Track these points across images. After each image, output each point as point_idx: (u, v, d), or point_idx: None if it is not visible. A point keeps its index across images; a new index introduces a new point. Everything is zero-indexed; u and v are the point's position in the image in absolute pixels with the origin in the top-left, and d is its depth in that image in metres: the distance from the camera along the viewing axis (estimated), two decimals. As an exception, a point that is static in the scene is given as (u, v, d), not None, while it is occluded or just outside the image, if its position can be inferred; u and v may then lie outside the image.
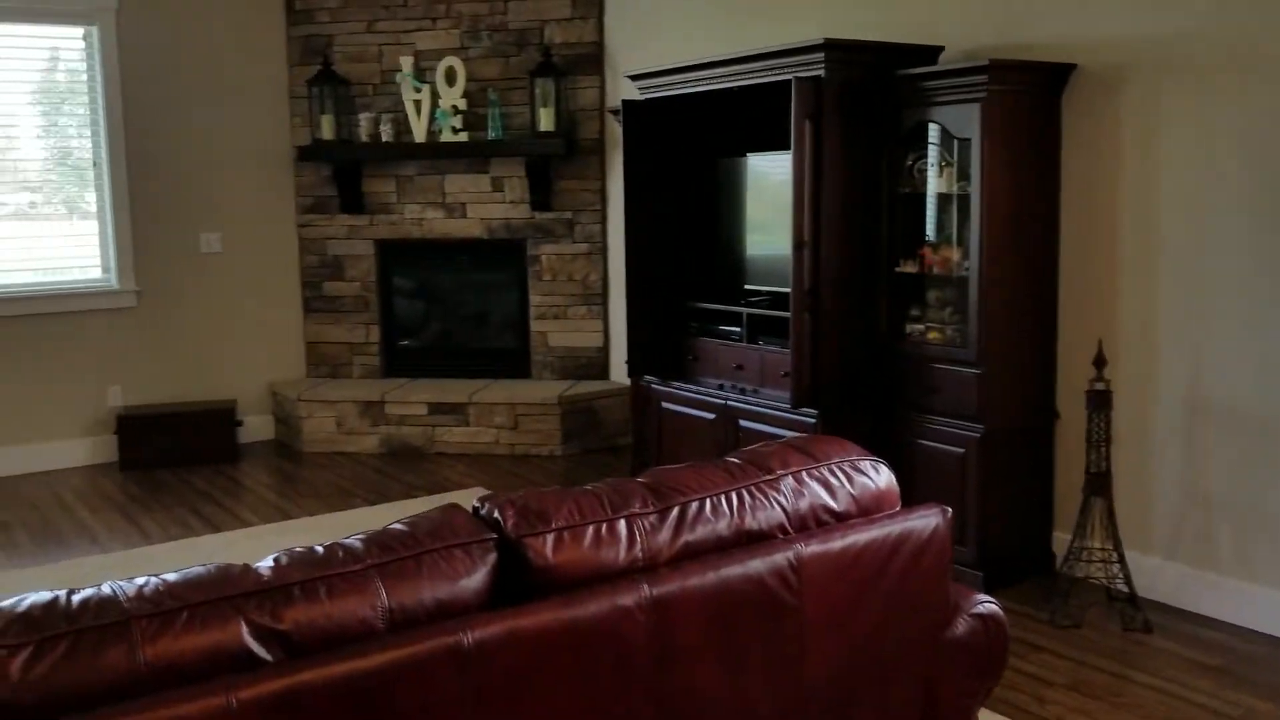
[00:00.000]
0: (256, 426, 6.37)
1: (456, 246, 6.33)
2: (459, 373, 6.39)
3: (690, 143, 4.87)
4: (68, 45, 5.82)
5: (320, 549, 1.67)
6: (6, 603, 1.45)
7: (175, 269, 6.11)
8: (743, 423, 4.41)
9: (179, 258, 6.12)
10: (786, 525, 1.95)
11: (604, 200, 6.15)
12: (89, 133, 5.87)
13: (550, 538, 1.74)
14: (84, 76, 5.84)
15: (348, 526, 4.66)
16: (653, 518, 1.83)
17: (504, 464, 5.77)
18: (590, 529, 1.77)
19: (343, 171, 6.24)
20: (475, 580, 1.68)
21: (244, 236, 6.30)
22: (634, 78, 4.84)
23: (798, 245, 3.96)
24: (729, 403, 4.49)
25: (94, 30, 5.78)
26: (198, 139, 6.11)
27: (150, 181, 5.99)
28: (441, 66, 6.01)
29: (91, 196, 5.93)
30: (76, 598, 1.48)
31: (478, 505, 1.83)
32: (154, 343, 6.07)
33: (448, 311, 6.56)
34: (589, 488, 1.89)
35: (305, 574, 1.60)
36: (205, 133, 6.12)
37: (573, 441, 5.94)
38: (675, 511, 1.85)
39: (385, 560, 1.65)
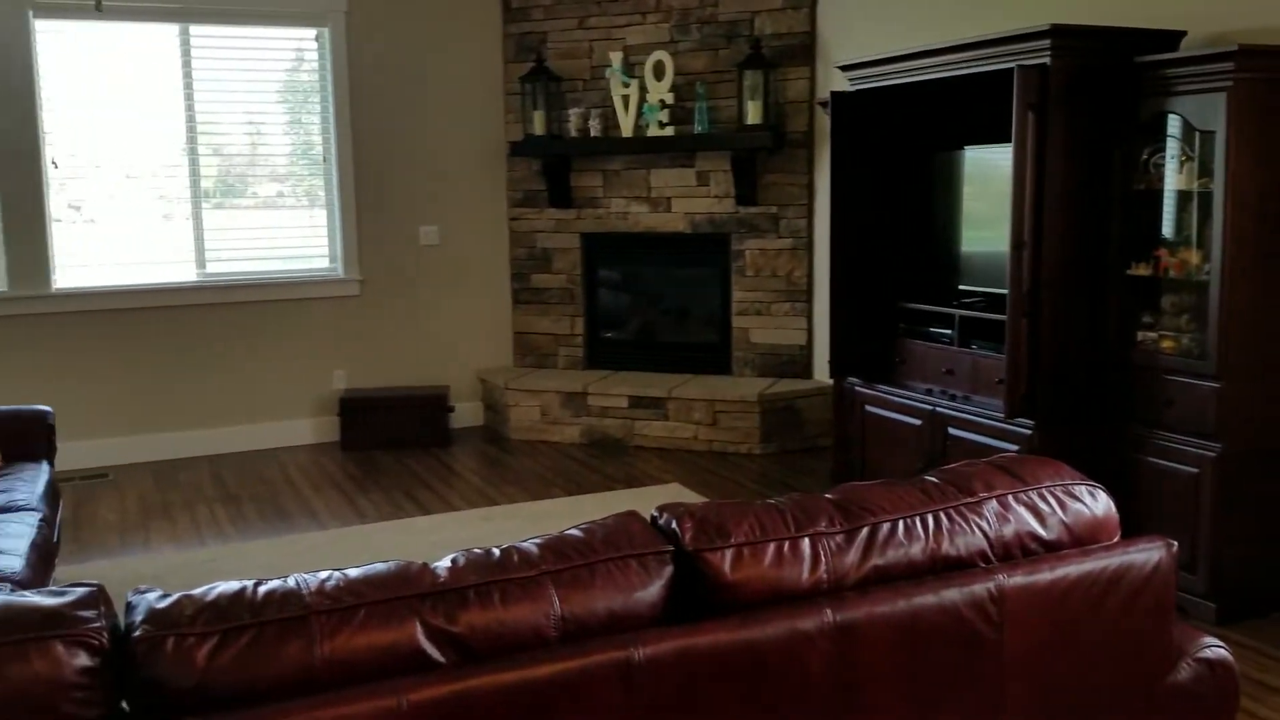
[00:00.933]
0: (467, 413, 6.58)
1: (660, 240, 6.33)
2: (660, 367, 6.39)
3: (903, 135, 4.67)
4: (308, 46, 6.16)
5: (497, 552, 1.66)
6: (197, 591, 1.50)
7: (396, 260, 6.38)
8: (952, 430, 4.20)
9: (399, 249, 6.38)
10: (989, 553, 1.80)
11: (811, 195, 6.00)
12: (322, 129, 6.19)
13: (729, 553, 1.66)
14: (318, 76, 6.16)
15: (546, 516, 4.73)
16: (840, 538, 1.72)
17: (702, 460, 5.73)
18: (772, 546, 1.68)
19: (552, 166, 6.34)
20: (649, 593, 1.63)
21: (459, 229, 6.51)
22: (845, 68, 4.69)
23: (1016, 244, 3.73)
24: (937, 409, 4.29)
25: (325, 32, 6.10)
26: (418, 135, 6.35)
27: (375, 176, 6.27)
28: (650, 61, 6.01)
29: (324, 190, 6.27)
30: (262, 589, 1.51)
31: (655, 515, 1.78)
32: (375, 330, 6.36)
33: (650, 305, 6.58)
34: (773, 501, 1.81)
35: (480, 577, 1.59)
36: (425, 129, 6.36)
37: (772, 441, 5.84)
38: (865, 532, 1.74)
39: (560, 568, 1.62)
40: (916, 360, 4.46)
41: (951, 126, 4.55)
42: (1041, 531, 1.85)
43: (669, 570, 1.66)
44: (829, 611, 1.62)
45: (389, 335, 6.41)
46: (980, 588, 1.72)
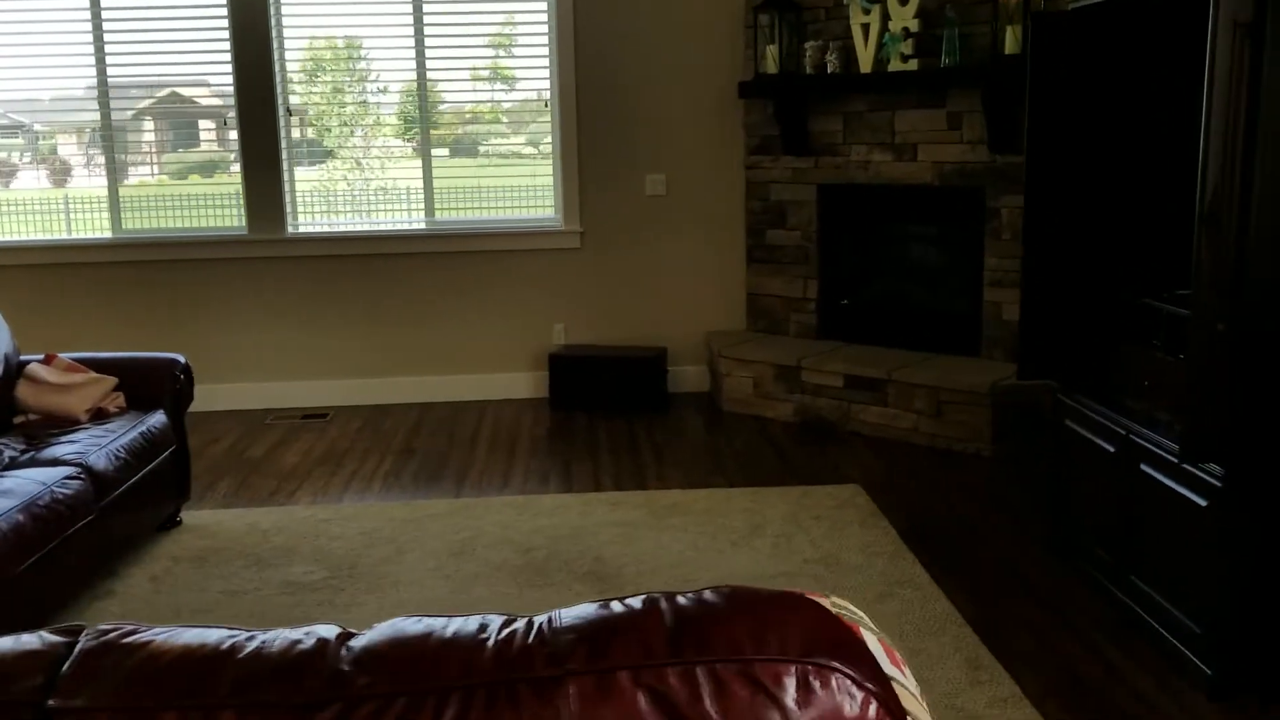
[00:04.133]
0: (689, 377, 6.11)
1: (904, 194, 5.41)
2: (899, 341, 5.51)
3: (1150, 76, 3.50)
4: (536, -14, 5.89)
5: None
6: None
7: (619, 211, 6.00)
8: (1144, 468, 3.12)
9: (623, 199, 5.99)
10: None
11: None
12: (550, 73, 5.91)
13: None
14: (546, 17, 5.86)
15: (672, 512, 4.20)
16: None
17: (919, 458, 4.86)
18: None
19: (785, 108, 5.61)
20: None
21: (689, 179, 5.99)
22: (1071, -21, 3.59)
23: (1210, 216, 2.61)
24: (1131, 435, 3.20)
25: (552, -31, 5.78)
26: (647, 77, 5.88)
27: (599, 121, 5.90)
28: (892, -19, 5.09)
29: (551, 138, 6.01)
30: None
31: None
32: (593, 284, 6.05)
33: (892, 269, 5.69)
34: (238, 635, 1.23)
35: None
36: (655, 71, 5.87)
37: (1007, 442, 4.82)
38: None
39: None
40: (1134, 370, 3.36)
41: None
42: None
43: None
44: None
45: (609, 290, 6.07)
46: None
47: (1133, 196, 3.48)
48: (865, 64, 5.26)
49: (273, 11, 5.70)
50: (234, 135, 5.80)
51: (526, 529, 4.07)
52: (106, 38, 5.69)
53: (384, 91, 5.98)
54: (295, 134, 5.94)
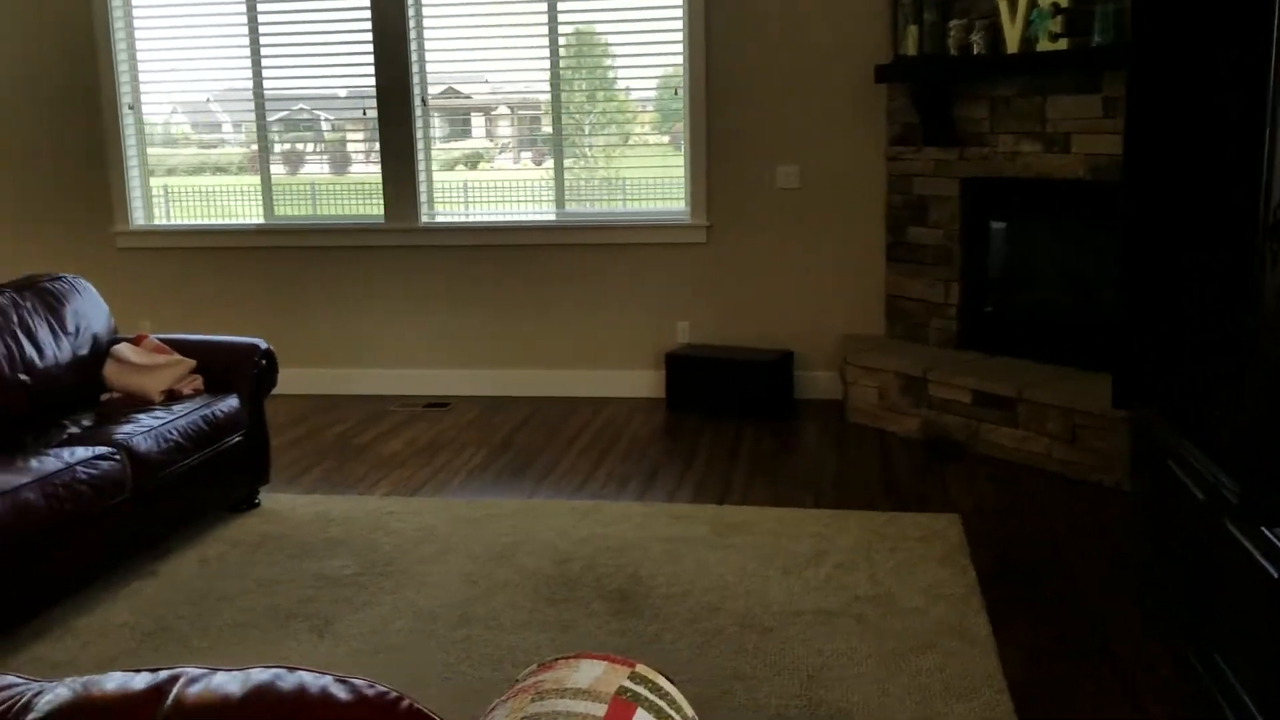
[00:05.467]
0: (821, 383, 5.73)
1: (1054, 189, 4.81)
2: (1045, 354, 4.93)
3: None
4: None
5: None
6: None
7: (748, 204, 5.68)
8: (1228, 523, 2.56)
9: (753, 192, 5.67)
10: None
11: (1261, 129, 4.09)
12: (684, 58, 5.66)
13: None
14: (679, 1, 5.62)
15: (742, 530, 3.89)
16: None
17: (1045, 487, 4.32)
18: None
19: (925, 93, 5.13)
20: None
21: (824, 170, 5.59)
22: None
23: (1275, 228, 2.08)
24: (1219, 483, 2.64)
25: (684, -49, 5.52)
26: (781, 61, 5.53)
27: (730, 109, 5.60)
28: (1039, -50, 4.52)
29: (682, 128, 5.77)
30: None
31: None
32: (720, 280, 5.76)
33: (1040, 274, 5.09)
34: None
35: None
36: (789, 54, 5.51)
37: (1147, 474, 4.19)
38: None
39: None
40: (1228, 399, 2.79)
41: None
42: None
43: None
44: None
45: (737, 287, 5.76)
46: None
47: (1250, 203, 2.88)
48: (1012, 44, 4.71)
49: (411, 11, 5.75)
50: (505, 128, 5.87)
51: (577, 537, 3.87)
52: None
53: (517, 83, 5.93)
54: (429, 124, 5.98)
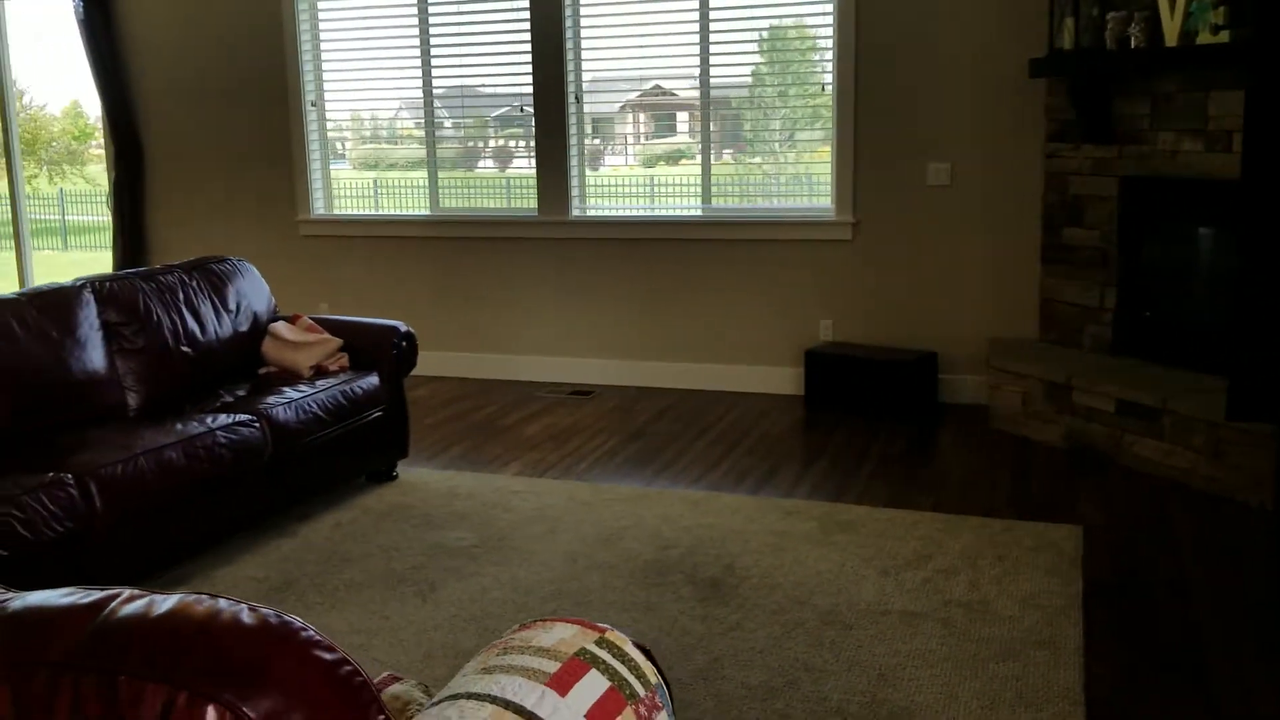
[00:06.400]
0: (967, 387, 5.59)
1: (1216, 190, 4.54)
2: (1204, 363, 4.66)
3: None
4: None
5: None
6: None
7: (896, 201, 5.60)
8: (1333, 545, 2.40)
9: (902, 189, 5.58)
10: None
11: None
12: (830, 54, 5.63)
13: None
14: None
15: (847, 529, 3.87)
16: None
17: (1185, 504, 4.09)
18: None
19: (1082, 88, 4.92)
20: None
21: (977, 168, 5.45)
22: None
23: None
24: (1326, 503, 2.47)
25: (836, -54, 5.49)
26: (934, 54, 5.42)
27: (881, 104, 5.53)
28: (1203, -64, 4.27)
29: (831, 124, 5.74)
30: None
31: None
32: (864, 278, 5.70)
33: (1200, 279, 4.80)
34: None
35: None
36: (941, 48, 5.40)
37: (1300, 497, 3.91)
38: None
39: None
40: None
41: None
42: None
43: None
44: None
45: (882, 286, 5.69)
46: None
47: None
48: (1171, 37, 4.47)
49: (568, 16, 5.95)
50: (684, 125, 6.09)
51: (682, 525, 3.95)
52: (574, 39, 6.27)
53: (668, 79, 6.03)
54: (583, 121, 6.16)
